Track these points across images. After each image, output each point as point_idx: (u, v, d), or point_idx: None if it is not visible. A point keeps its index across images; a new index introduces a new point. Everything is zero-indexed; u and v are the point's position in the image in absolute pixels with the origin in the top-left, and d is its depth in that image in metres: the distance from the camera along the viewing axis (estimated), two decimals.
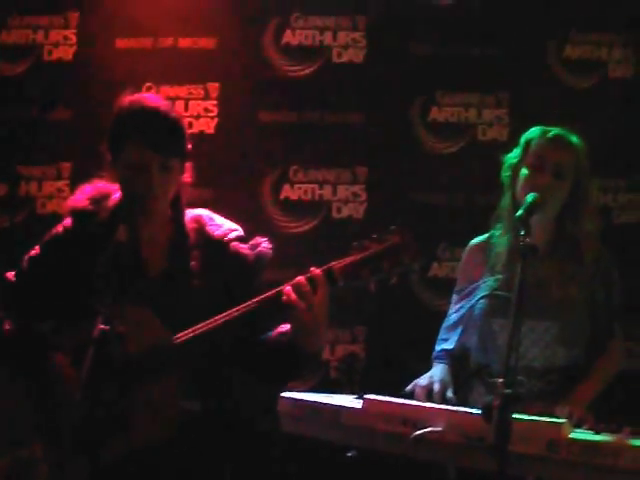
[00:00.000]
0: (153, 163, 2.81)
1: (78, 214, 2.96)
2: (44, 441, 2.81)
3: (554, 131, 3.32)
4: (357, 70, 4.93)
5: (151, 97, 2.96)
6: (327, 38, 4.93)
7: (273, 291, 2.74)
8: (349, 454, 2.98)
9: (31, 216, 4.89)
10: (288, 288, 2.68)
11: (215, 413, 2.88)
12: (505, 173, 3.37)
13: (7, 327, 2.93)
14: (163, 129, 2.84)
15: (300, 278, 2.69)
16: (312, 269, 2.71)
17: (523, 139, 3.36)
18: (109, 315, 2.49)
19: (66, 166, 4.92)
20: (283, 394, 3.08)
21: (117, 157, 2.87)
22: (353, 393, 3.17)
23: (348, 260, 2.70)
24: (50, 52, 5.01)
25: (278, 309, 2.73)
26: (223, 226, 2.98)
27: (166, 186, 2.86)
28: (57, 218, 4.68)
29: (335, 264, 2.71)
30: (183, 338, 2.72)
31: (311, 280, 2.68)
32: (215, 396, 2.88)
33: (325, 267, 2.71)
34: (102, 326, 2.47)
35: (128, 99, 2.90)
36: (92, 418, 2.45)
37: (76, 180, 4.82)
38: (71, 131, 4.92)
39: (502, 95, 4.89)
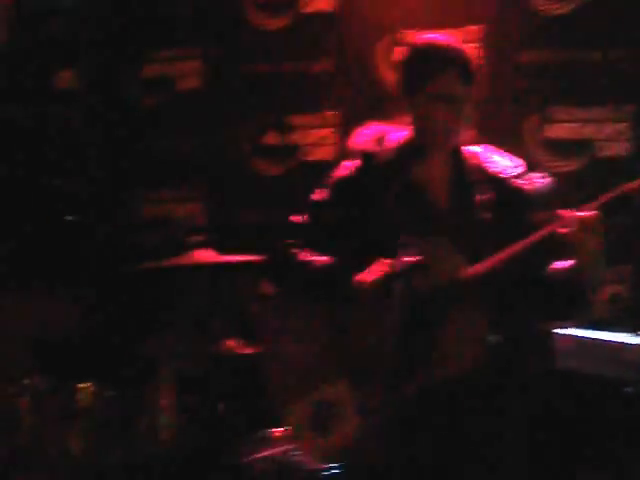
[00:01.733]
0: (460, 94, 2.90)
1: (363, 155, 3.08)
2: (349, 378, 2.96)
3: None
4: None
5: (444, 36, 3.06)
6: None
7: (549, 227, 2.76)
8: (627, 389, 2.97)
9: (298, 163, 5.11)
10: (570, 222, 2.70)
11: (510, 347, 2.94)
12: None
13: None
14: (468, 62, 2.93)
15: (584, 213, 2.70)
16: (584, 205, 2.72)
17: None
18: (410, 248, 2.58)
19: (330, 114, 5.08)
20: (558, 331, 3.10)
21: (419, 91, 2.95)
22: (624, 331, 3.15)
23: (615, 193, 2.69)
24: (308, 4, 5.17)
25: (556, 246, 2.76)
26: (502, 161, 3.03)
27: (462, 121, 2.95)
28: (323, 165, 4.94)
29: (603, 198, 2.71)
30: (478, 271, 2.80)
31: (592, 216, 2.69)
32: (508, 330, 2.94)
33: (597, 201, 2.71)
34: (408, 258, 2.56)
35: (423, 37, 3.01)
36: (400, 351, 2.54)
37: (340, 127, 5.01)
38: (334, 81, 5.07)
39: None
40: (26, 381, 4.22)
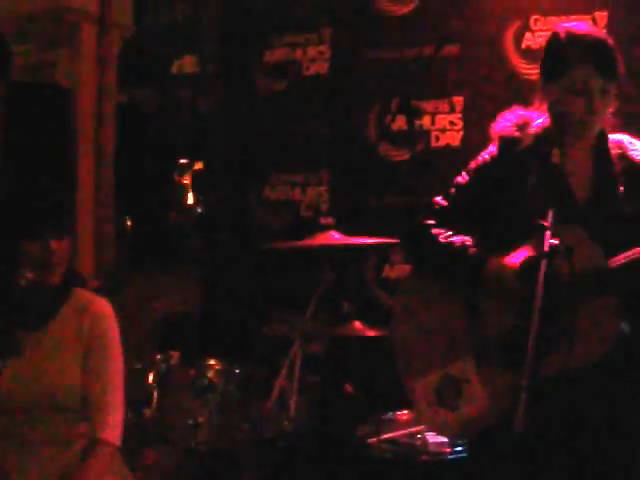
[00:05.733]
0: (596, 87, 2.88)
1: (505, 140, 3.08)
2: (475, 357, 2.97)
3: None
4: None
5: (585, 24, 3.05)
6: None
7: None
8: None
9: (425, 149, 5.11)
10: None
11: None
12: None
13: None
14: (608, 54, 2.90)
15: None
16: None
17: None
18: (549, 234, 2.58)
19: (458, 100, 5.08)
20: None
21: (555, 80, 2.95)
22: None
23: None
24: None
25: None
26: None
27: (602, 111, 2.92)
28: (450, 151, 4.94)
29: None
30: (618, 263, 2.79)
31: None
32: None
33: None
34: (552, 241, 2.57)
35: (564, 26, 3.00)
36: (537, 335, 2.53)
37: (467, 113, 5.00)
38: (460, 65, 5.07)
39: None
40: (157, 357, 4.32)
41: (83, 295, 3.14)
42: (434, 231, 3.09)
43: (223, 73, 5.83)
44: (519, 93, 4.53)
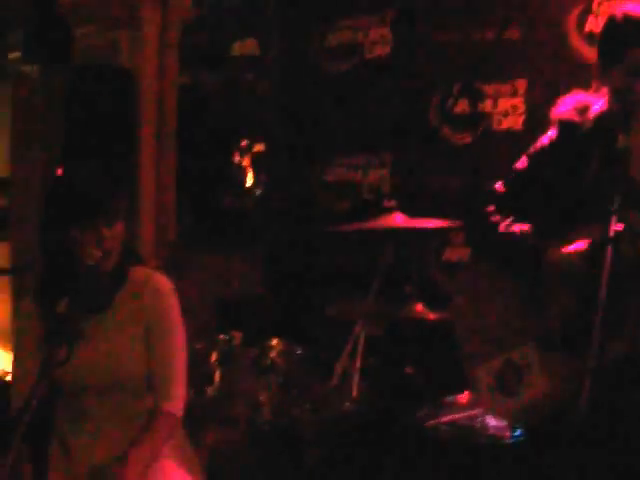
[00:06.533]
0: None
1: (565, 125, 3.08)
2: (537, 342, 2.99)
3: None
4: None
5: None
6: None
7: None
8: None
9: (487, 132, 5.11)
10: None
11: None
12: None
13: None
14: None
15: None
16: None
17: None
18: (611, 219, 2.59)
19: (521, 83, 5.05)
20: None
21: (615, 64, 2.95)
22: None
23: None
24: None
25: None
26: None
27: None
28: (512, 134, 4.92)
29: None
30: None
31: None
32: None
33: None
34: (616, 226, 2.58)
35: (622, 8, 2.99)
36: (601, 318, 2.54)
37: (529, 96, 4.98)
38: (523, 49, 5.04)
39: None
40: (219, 337, 4.37)
41: (141, 273, 3.14)
42: (494, 219, 3.10)
43: (284, 56, 5.84)
44: (581, 77, 4.49)
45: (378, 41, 5.42)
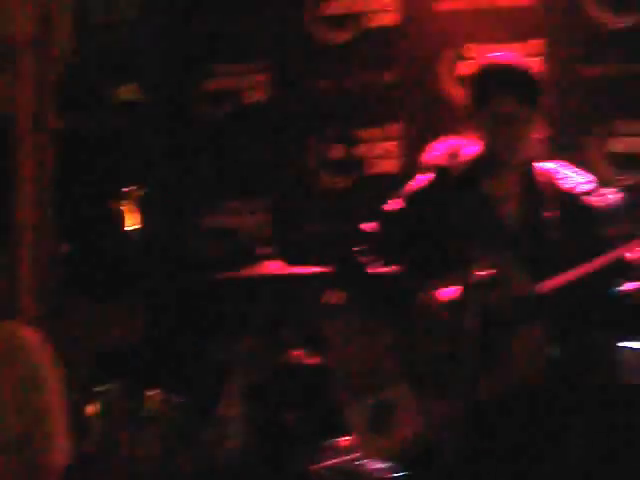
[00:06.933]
0: (519, 115, 2.94)
1: (437, 169, 3.14)
2: (409, 383, 3.01)
3: None
4: None
5: (511, 54, 3.11)
6: None
7: (617, 251, 2.80)
8: None
9: (363, 176, 5.15)
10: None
11: (571, 361, 2.98)
12: None
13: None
14: (530, 83, 2.97)
15: None
16: None
17: None
18: (480, 263, 2.64)
19: (394, 127, 5.10)
20: (625, 345, 3.12)
21: (480, 110, 3.02)
22: None
23: None
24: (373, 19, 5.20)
25: (623, 268, 2.80)
26: (573, 178, 3.07)
27: (527, 139, 2.99)
28: (387, 178, 4.97)
29: None
30: (545, 288, 2.84)
31: None
32: (571, 345, 2.98)
33: None
34: (478, 272, 2.62)
35: (490, 57, 3.07)
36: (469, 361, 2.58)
37: (404, 140, 5.05)
38: (398, 94, 5.10)
39: None
40: (96, 388, 4.30)
41: (6, 329, 3.08)
42: (364, 259, 3.13)
43: (165, 101, 5.82)
44: (455, 120, 4.58)
45: (255, 87, 5.44)
